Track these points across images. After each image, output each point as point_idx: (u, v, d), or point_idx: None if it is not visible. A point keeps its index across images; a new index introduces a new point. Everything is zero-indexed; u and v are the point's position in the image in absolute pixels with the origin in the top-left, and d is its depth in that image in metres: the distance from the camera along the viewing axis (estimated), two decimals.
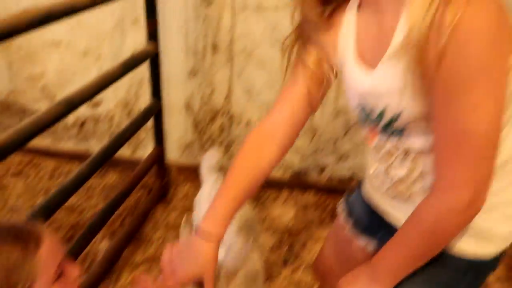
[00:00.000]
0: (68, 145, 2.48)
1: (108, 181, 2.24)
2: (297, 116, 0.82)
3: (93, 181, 2.19)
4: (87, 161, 1.49)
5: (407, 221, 0.72)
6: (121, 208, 1.76)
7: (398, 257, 0.73)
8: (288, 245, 1.82)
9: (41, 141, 2.50)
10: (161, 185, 2.06)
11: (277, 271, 1.69)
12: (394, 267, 0.73)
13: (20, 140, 1.11)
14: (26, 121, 1.17)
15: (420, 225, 0.69)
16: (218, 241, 0.75)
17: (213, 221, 0.76)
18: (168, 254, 0.78)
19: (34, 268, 0.68)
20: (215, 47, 1.99)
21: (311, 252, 1.78)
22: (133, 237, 1.82)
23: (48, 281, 0.70)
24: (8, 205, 2.09)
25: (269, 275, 1.66)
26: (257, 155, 0.81)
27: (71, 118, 2.40)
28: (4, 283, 0.65)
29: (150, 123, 2.06)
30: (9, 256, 0.67)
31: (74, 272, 0.75)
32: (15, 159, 2.47)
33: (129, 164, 2.30)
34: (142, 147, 2.34)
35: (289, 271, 1.70)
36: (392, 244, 0.74)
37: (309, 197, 2.11)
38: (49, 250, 0.71)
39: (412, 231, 0.70)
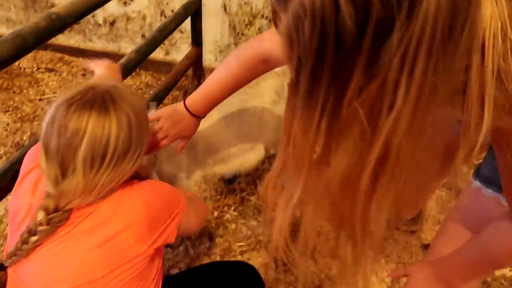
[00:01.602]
0: (98, 44, 2.45)
1: (143, 81, 2.25)
2: None
3: (126, 81, 2.20)
4: (123, 60, 1.47)
5: (496, 237, 0.74)
6: (159, 107, 1.78)
7: (477, 264, 0.77)
8: None
9: (70, 39, 2.47)
10: (199, 86, 2.06)
11: None
12: (469, 272, 0.78)
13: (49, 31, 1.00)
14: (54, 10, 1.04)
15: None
16: (202, 117, 1.00)
17: (203, 103, 0.96)
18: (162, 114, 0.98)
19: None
20: None
21: None
22: None
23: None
24: (45, 97, 2.13)
25: None
26: (255, 71, 0.93)
27: (101, 15, 2.34)
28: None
29: (184, 25, 2.01)
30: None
31: None
32: (46, 56, 2.46)
33: (163, 65, 2.29)
34: (175, 49, 2.30)
35: None
36: (473, 252, 0.77)
37: None
38: None
39: (500, 248, 0.73)
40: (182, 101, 0.97)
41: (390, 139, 0.43)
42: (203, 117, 1.00)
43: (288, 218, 0.54)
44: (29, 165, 0.78)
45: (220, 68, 0.96)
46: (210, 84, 0.96)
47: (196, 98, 0.96)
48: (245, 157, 1.31)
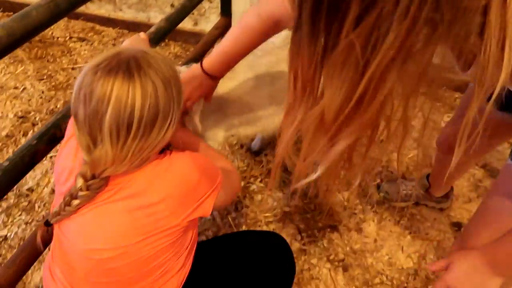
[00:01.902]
0: (128, 14, 2.45)
1: (172, 51, 2.25)
2: None
3: None
4: (153, 29, 1.47)
5: None
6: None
7: None
8: None
9: (101, 8, 2.49)
10: None
11: None
12: None
13: None
14: None
15: None
16: (221, 78, 1.00)
17: (220, 65, 0.96)
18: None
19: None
20: None
21: None
22: None
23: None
24: (77, 66, 2.17)
25: None
26: (268, 32, 0.91)
27: None
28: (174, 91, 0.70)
29: None
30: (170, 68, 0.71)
31: None
32: (78, 25, 2.49)
33: (191, 36, 2.28)
34: (204, 19, 2.28)
35: None
36: None
37: None
38: None
39: None
40: (199, 63, 0.96)
41: (374, 73, 0.42)
42: (222, 77, 1.00)
43: (291, 137, 0.56)
44: (72, 129, 0.80)
45: (238, 27, 0.93)
46: (228, 44, 0.94)
47: (213, 60, 0.96)
48: (269, 120, 1.31)
